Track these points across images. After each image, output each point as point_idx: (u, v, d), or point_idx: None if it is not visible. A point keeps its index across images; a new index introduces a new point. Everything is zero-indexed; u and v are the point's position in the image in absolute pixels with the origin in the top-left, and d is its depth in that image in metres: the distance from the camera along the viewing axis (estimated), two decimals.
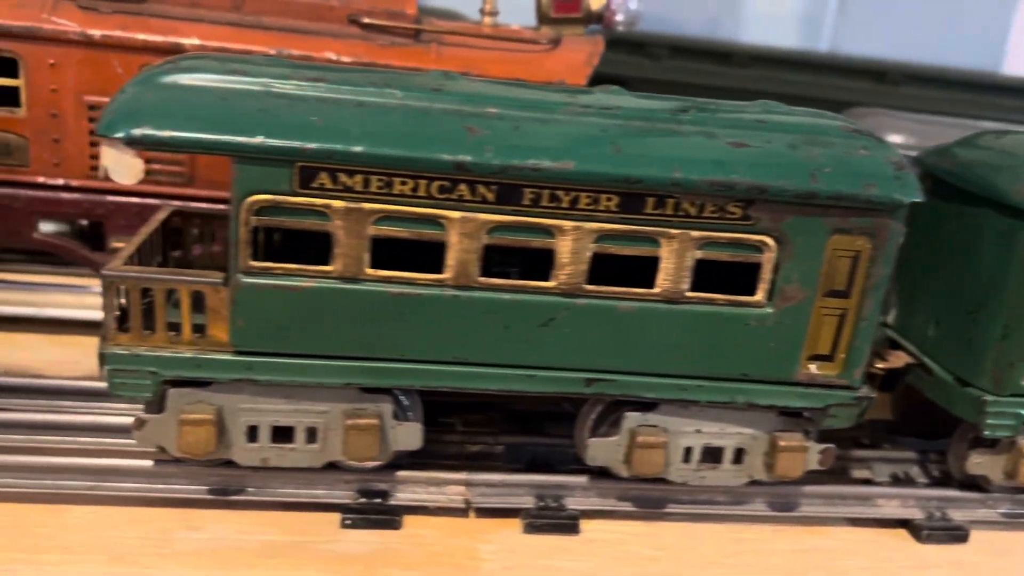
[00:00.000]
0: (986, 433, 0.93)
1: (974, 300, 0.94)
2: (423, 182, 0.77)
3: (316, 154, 0.75)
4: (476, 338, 0.82)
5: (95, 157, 1.10)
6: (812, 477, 0.93)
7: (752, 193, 0.79)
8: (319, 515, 0.87)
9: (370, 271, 0.79)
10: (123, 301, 0.81)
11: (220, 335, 0.80)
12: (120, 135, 0.74)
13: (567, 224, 0.80)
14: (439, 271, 0.80)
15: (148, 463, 0.86)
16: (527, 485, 0.91)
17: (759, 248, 0.82)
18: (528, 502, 0.90)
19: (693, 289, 0.83)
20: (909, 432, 1.10)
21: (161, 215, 0.96)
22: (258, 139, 0.74)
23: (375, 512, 0.87)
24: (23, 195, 1.11)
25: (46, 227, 1.16)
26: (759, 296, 0.84)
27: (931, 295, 1.01)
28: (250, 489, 0.87)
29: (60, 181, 1.11)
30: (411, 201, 0.77)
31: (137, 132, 0.74)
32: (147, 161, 0.78)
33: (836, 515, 0.97)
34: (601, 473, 0.92)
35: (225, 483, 0.86)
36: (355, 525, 0.86)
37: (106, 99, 1.07)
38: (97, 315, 1.19)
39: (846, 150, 0.82)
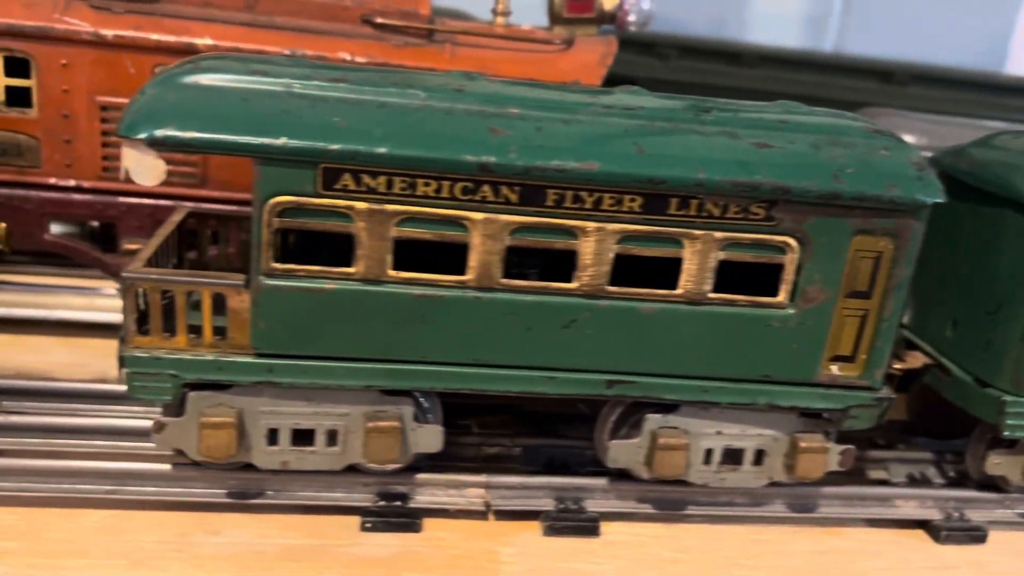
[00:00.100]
0: (1006, 434, 0.93)
1: (993, 301, 0.94)
2: (446, 183, 0.77)
3: (340, 155, 0.74)
4: (498, 340, 0.82)
5: (107, 158, 1.10)
6: (830, 478, 0.93)
7: (776, 194, 0.79)
8: (339, 518, 0.87)
9: (392, 273, 0.79)
10: (141, 303, 0.80)
11: (241, 337, 0.80)
12: (142, 136, 0.73)
13: (590, 225, 0.79)
14: (460, 273, 0.80)
15: (166, 467, 0.86)
16: (547, 487, 0.91)
17: (782, 249, 0.82)
18: (548, 504, 0.90)
19: (715, 290, 0.83)
20: (924, 432, 1.10)
21: (177, 216, 0.95)
22: (281, 140, 0.74)
23: (395, 515, 0.87)
24: (35, 196, 1.10)
25: (56, 228, 1.15)
26: (781, 297, 0.84)
27: (948, 296, 1.01)
28: (269, 492, 0.86)
29: (72, 182, 1.10)
30: (434, 202, 0.77)
31: (160, 133, 0.73)
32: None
33: (855, 516, 0.97)
34: (620, 475, 0.91)
35: (244, 486, 0.86)
36: (375, 528, 0.86)
37: (119, 100, 1.07)
38: (106, 317, 1.21)
39: (868, 151, 0.82)
